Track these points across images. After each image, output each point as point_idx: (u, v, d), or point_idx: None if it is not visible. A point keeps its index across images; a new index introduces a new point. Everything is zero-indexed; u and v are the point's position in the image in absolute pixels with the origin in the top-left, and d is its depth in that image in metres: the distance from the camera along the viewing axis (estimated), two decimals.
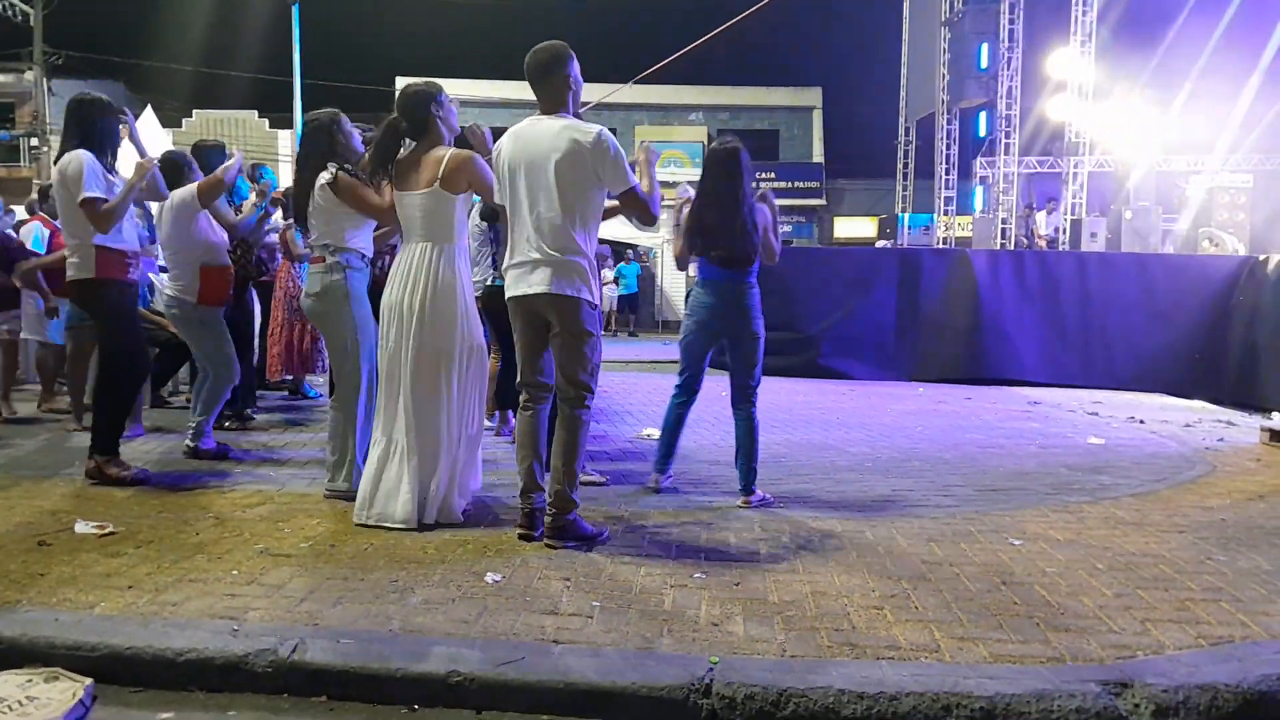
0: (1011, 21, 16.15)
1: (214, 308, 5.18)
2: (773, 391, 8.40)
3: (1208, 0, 15.25)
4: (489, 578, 3.06)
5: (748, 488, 4.27)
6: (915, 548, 3.55)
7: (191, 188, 5.08)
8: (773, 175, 24.30)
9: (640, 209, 3.64)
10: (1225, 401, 8.63)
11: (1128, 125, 15.88)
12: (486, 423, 5.49)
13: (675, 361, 4.67)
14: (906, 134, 20.41)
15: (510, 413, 5.75)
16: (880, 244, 17.75)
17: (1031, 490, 4.69)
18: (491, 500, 4.17)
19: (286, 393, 7.53)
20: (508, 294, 3.64)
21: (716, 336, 4.41)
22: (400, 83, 21.91)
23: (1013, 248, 15.54)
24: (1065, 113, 15.90)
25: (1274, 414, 6.84)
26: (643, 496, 4.37)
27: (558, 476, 3.55)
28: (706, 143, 23.95)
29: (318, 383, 7.64)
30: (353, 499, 3.88)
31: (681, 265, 4.61)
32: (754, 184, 4.41)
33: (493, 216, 5.12)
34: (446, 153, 3.74)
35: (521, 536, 3.57)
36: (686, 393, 4.54)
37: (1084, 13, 15.29)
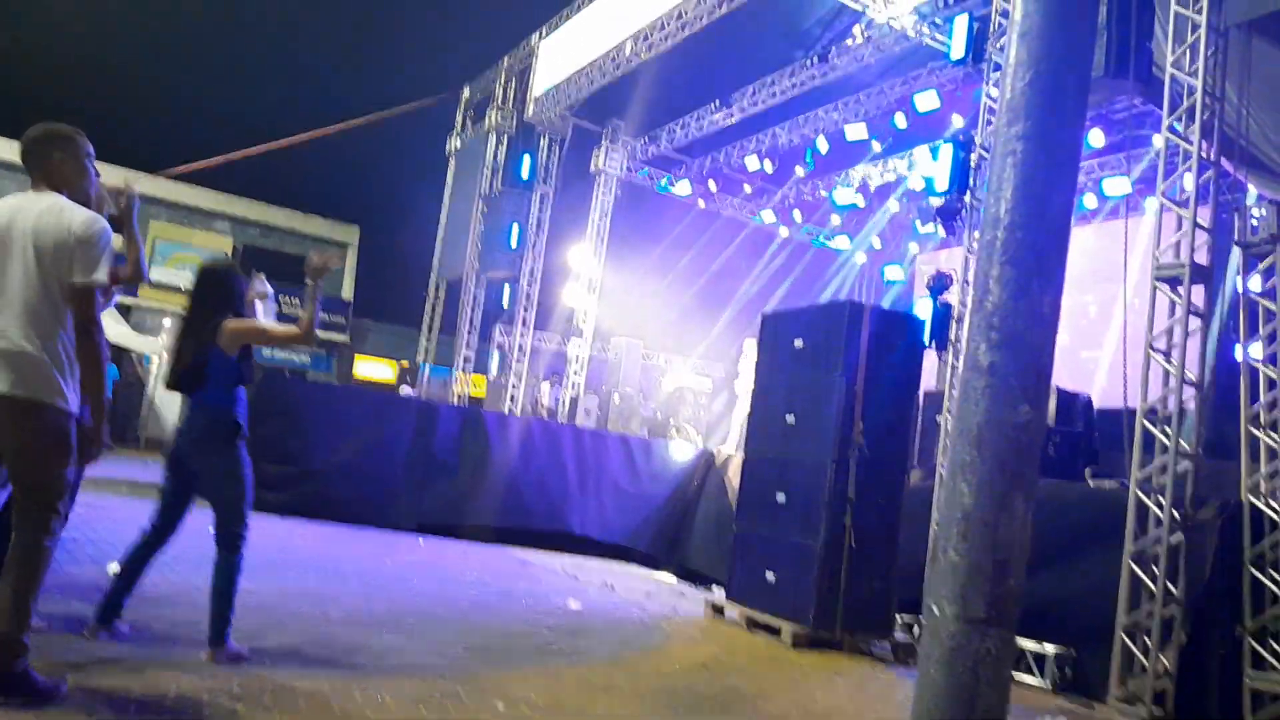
0: (541, 212, 17.94)
1: None
2: (269, 531, 7.85)
3: (689, 226, 18.56)
4: None
5: (218, 638, 3.85)
6: (404, 710, 3.50)
7: None
8: (298, 302, 23.55)
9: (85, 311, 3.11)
10: (681, 572, 9.92)
11: (623, 320, 18.30)
12: None
13: (157, 486, 4.19)
14: (437, 290, 21.21)
15: None
16: (405, 390, 17.93)
17: (517, 651, 4.92)
18: None
19: None
20: None
21: (187, 468, 4.03)
22: None
23: (520, 412, 16.68)
24: (575, 300, 17.83)
25: (714, 588, 8.02)
26: (101, 647, 3.76)
27: (6, 617, 2.94)
28: (230, 254, 22.64)
29: None
30: None
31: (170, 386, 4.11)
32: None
33: None
34: None
35: None
36: (155, 530, 4.04)
37: (600, 218, 17.56)
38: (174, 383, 4.04)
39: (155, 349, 19.58)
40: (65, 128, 3.30)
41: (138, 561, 4.01)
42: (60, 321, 3.07)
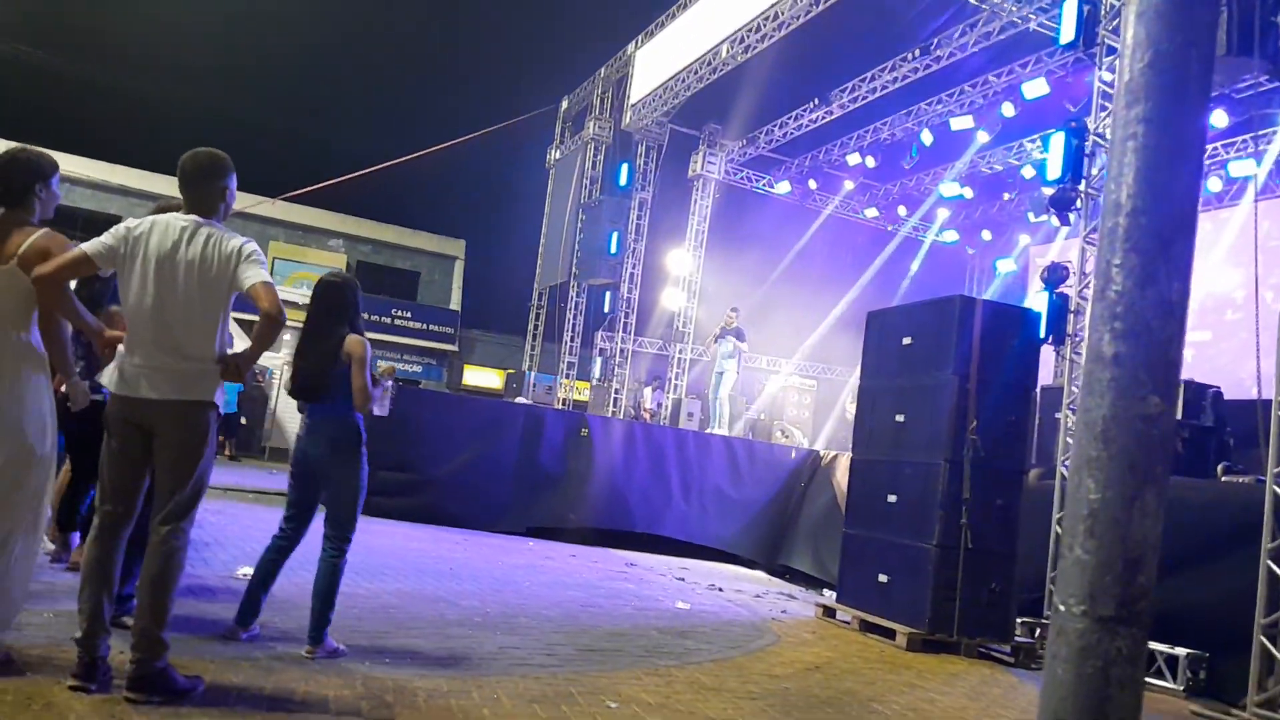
0: (640, 218, 18.06)
1: None
2: (388, 535, 8.15)
3: (789, 226, 18.37)
4: None
5: (316, 636, 3.98)
6: (519, 709, 3.57)
7: None
8: (409, 314, 24.34)
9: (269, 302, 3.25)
10: (789, 574, 9.82)
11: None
12: (50, 546, 4.75)
13: (280, 493, 4.37)
14: (539, 298, 21.57)
15: (75, 537, 5.01)
16: (520, 400, 18.31)
17: (626, 652, 4.95)
18: (25, 640, 3.47)
19: None
20: (117, 390, 3.24)
21: (314, 474, 4.16)
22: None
23: (622, 416, 16.80)
24: (675, 303, 17.87)
25: (825, 591, 7.91)
26: (229, 645, 3.96)
27: (146, 614, 3.10)
28: (344, 269, 23.52)
29: None
30: None
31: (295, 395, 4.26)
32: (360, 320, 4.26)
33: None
34: (37, 233, 3.29)
35: (75, 689, 3.01)
36: (287, 535, 4.21)
37: (699, 222, 17.56)
38: (300, 393, 4.19)
39: (277, 363, 20.49)
40: (208, 158, 3.39)
41: (270, 565, 4.20)
42: (213, 339, 3.29)
